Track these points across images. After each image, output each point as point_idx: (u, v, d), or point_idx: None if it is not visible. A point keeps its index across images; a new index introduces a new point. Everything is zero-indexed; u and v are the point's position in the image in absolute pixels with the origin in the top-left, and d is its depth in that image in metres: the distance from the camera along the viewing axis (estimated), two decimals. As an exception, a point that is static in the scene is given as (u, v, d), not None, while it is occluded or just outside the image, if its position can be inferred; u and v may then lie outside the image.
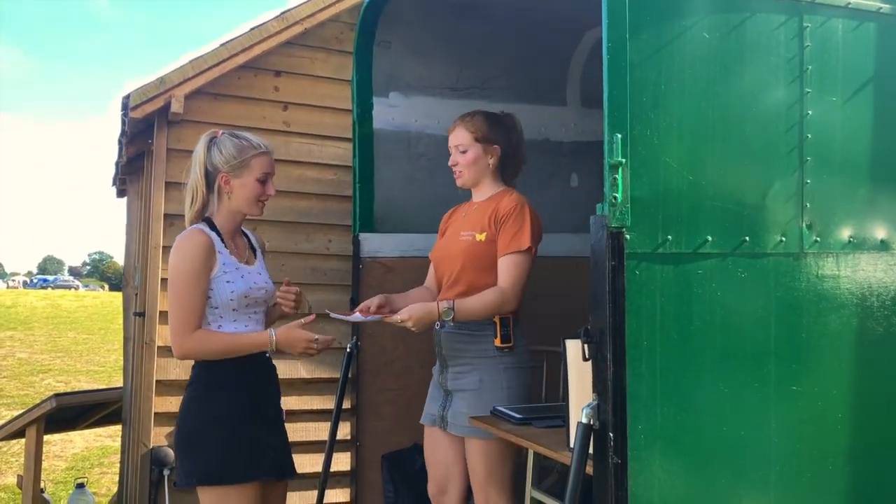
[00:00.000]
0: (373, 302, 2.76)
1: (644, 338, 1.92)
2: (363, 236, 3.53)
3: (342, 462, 3.72)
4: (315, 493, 3.51)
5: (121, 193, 6.48)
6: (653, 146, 1.96)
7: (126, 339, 6.00)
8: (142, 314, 4.37)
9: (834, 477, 2.15)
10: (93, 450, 10.90)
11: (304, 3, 4.27)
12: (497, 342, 2.70)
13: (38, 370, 17.12)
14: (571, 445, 1.96)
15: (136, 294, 5.08)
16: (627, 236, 1.90)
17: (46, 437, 6.52)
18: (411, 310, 2.59)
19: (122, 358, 6.61)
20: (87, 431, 9.73)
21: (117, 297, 24.59)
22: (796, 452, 2.10)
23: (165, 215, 4.04)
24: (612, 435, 1.87)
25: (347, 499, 3.74)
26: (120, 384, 6.40)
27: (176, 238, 2.49)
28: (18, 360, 18.29)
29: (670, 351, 1.95)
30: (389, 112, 3.66)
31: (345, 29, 4.39)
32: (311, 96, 4.36)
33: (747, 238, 2.06)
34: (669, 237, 1.96)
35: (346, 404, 3.44)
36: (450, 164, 2.87)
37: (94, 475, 9.51)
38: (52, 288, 57.31)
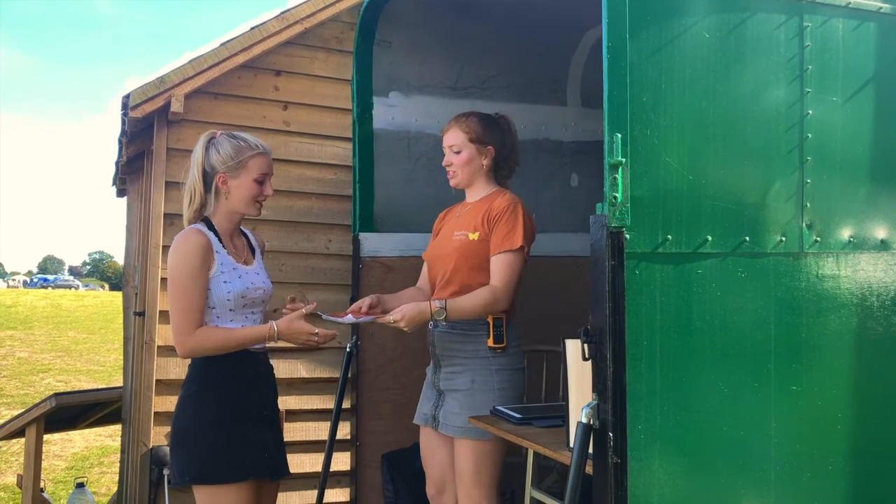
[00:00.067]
0: (364, 302, 2.76)
1: (644, 337, 1.92)
2: (363, 236, 3.53)
3: (342, 462, 3.72)
4: (315, 492, 3.51)
5: (121, 193, 6.48)
6: (653, 146, 1.96)
7: (126, 339, 6.00)
8: (142, 314, 4.37)
9: (834, 477, 2.15)
10: (93, 449, 10.89)
11: (304, 2, 4.26)
12: (490, 342, 2.70)
13: (38, 369, 17.11)
14: (571, 445, 1.96)
15: (136, 294, 5.08)
16: (627, 236, 1.90)
17: (46, 437, 6.51)
18: (403, 310, 2.59)
19: (122, 357, 6.61)
20: (87, 431, 9.72)
21: (117, 296, 24.63)
22: (796, 452, 2.10)
23: (165, 215, 4.04)
24: (611, 434, 1.87)
25: (347, 498, 3.74)
26: (120, 384, 6.39)
27: (174, 238, 2.50)
28: (18, 359, 18.28)
29: (670, 351, 1.95)
30: (389, 112, 3.66)
31: (345, 28, 4.39)
32: (311, 96, 4.36)
33: (747, 238, 2.06)
34: (669, 237, 1.96)
35: (346, 404, 3.45)
36: (444, 164, 2.88)
37: (94, 475, 9.51)
38: (53, 287, 57.35)
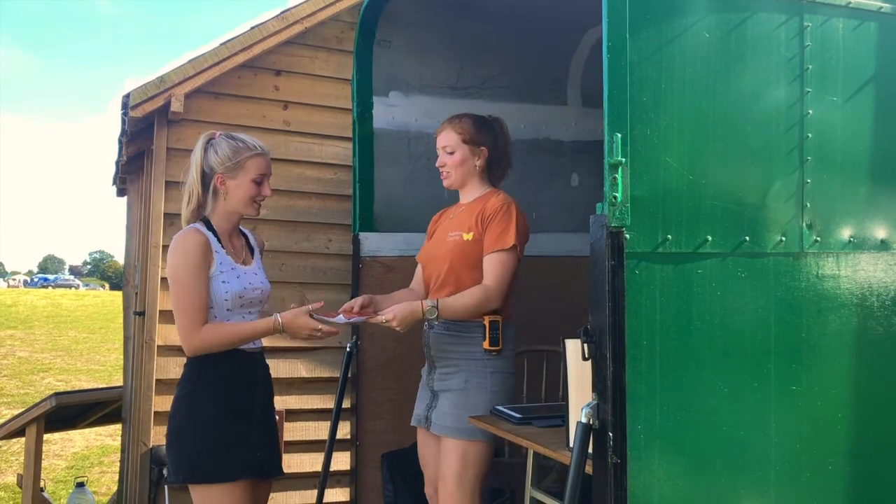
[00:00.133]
0: (356, 302, 2.76)
1: (644, 337, 1.92)
2: (363, 235, 3.53)
3: (342, 461, 3.72)
4: (315, 492, 3.52)
5: (121, 192, 6.48)
6: (653, 145, 1.95)
7: (126, 339, 6.00)
8: (142, 313, 4.37)
9: (834, 477, 2.15)
10: (93, 449, 10.90)
11: (305, 2, 4.27)
12: (485, 345, 2.70)
13: (38, 369, 17.12)
14: (571, 445, 1.96)
15: (136, 293, 5.08)
16: (627, 236, 1.90)
17: (46, 436, 6.52)
18: (395, 309, 2.59)
19: (122, 357, 6.61)
20: (87, 430, 9.73)
21: (118, 296, 24.62)
22: (796, 452, 2.10)
23: (165, 214, 4.04)
24: (611, 434, 1.87)
25: (347, 498, 3.74)
26: (120, 383, 6.39)
27: (173, 238, 2.50)
28: (19, 358, 18.28)
29: (670, 350, 1.95)
30: (389, 111, 3.67)
31: (345, 28, 4.39)
32: (312, 95, 4.36)
33: (747, 238, 2.06)
34: (669, 237, 1.96)
35: (346, 404, 3.45)
36: (437, 164, 2.89)
37: (94, 474, 9.51)
38: (53, 287, 57.37)
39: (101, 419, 7.01)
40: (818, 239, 2.16)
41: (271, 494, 2.75)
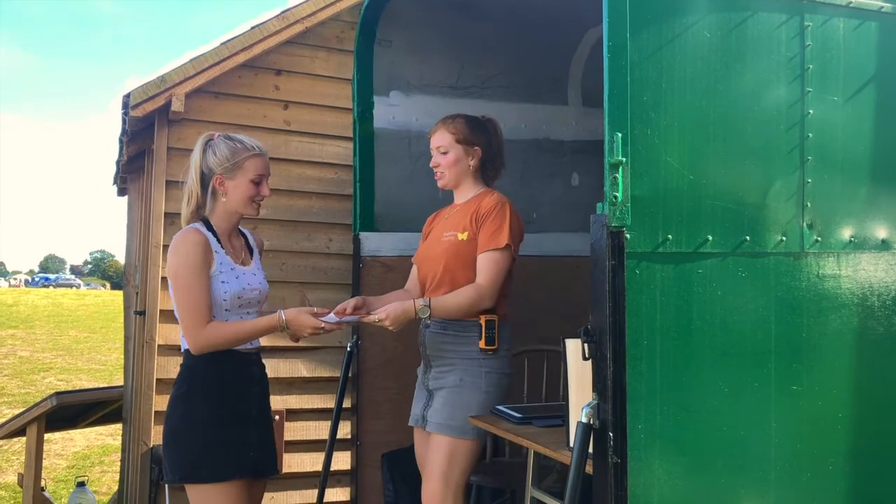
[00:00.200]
0: (349, 303, 2.76)
1: (644, 337, 1.92)
2: (363, 235, 3.54)
3: (342, 461, 3.72)
4: (315, 492, 3.52)
5: (121, 192, 6.48)
6: (653, 145, 1.95)
7: (127, 338, 6.00)
8: (142, 313, 4.37)
9: (834, 477, 2.15)
10: (93, 448, 10.90)
11: (305, 1, 4.26)
12: (482, 344, 2.70)
13: (39, 368, 17.12)
14: (571, 445, 1.96)
15: (137, 293, 5.08)
16: (627, 235, 1.90)
17: (47, 436, 6.52)
18: (388, 309, 2.60)
19: (122, 356, 6.61)
20: (87, 430, 9.72)
21: (119, 295, 24.60)
22: (796, 452, 2.10)
23: (166, 214, 4.04)
24: (611, 434, 1.87)
25: (347, 498, 3.74)
26: (121, 383, 6.39)
27: (173, 238, 2.51)
28: (20, 358, 18.29)
29: (670, 350, 1.95)
30: (390, 111, 3.67)
31: (345, 28, 4.39)
32: (312, 95, 4.36)
33: (748, 237, 2.06)
34: (670, 236, 1.96)
35: (347, 403, 3.45)
36: (431, 165, 2.90)
37: (95, 473, 9.51)
38: (54, 286, 57.42)
39: (101, 419, 7.01)
40: (819, 239, 2.16)
41: (272, 494, 2.75)
